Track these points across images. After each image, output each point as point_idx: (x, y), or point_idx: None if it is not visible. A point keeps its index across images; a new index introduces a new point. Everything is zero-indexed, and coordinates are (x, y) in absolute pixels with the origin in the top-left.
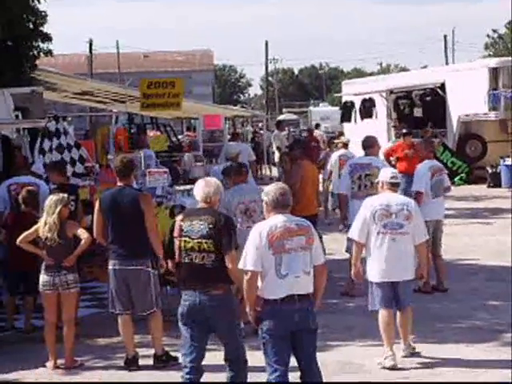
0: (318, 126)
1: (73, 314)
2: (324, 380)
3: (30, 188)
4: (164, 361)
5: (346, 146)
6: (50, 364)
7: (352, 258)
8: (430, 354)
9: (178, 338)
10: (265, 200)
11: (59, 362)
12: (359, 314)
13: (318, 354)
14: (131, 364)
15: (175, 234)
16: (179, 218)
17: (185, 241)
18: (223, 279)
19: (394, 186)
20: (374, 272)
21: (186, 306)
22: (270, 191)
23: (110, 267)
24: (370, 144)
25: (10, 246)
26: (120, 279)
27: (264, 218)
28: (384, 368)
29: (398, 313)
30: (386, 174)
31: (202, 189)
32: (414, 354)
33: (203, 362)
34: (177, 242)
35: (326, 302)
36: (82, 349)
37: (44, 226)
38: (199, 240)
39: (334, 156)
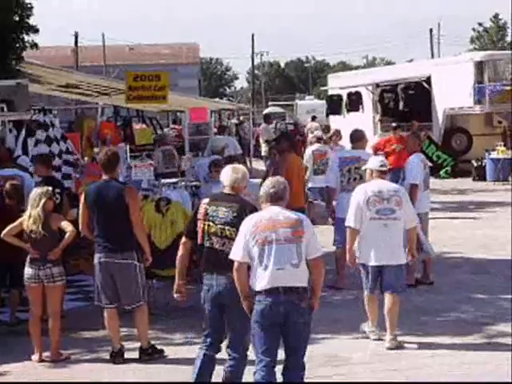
0: (314, 118)
1: (58, 306)
2: (310, 372)
3: (13, 182)
4: (149, 354)
5: (319, 140)
6: (35, 357)
7: (347, 244)
8: (415, 347)
9: (163, 331)
10: (260, 193)
11: (45, 355)
12: (346, 307)
13: None
14: (117, 357)
15: (199, 216)
16: (205, 201)
17: (208, 225)
18: None
19: (383, 174)
20: (367, 256)
21: (205, 289)
22: (264, 184)
23: (96, 260)
24: (358, 137)
25: None
26: (106, 272)
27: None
28: (371, 339)
29: (386, 299)
30: (374, 162)
31: (229, 175)
32: (399, 347)
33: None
34: (200, 225)
35: None
36: (68, 342)
37: (28, 218)
38: (222, 226)
39: (308, 151)
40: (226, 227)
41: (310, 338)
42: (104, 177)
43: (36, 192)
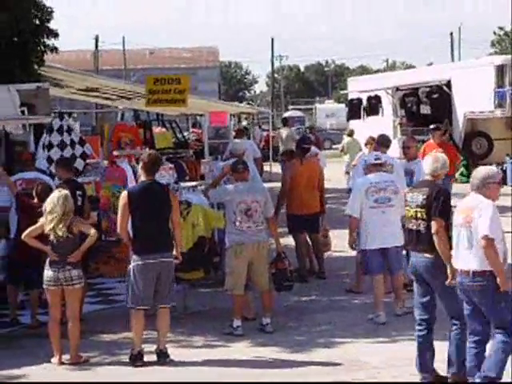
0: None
1: (77, 309)
2: (330, 378)
3: (43, 183)
4: (168, 356)
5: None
6: (55, 360)
7: (348, 230)
8: (437, 352)
9: (182, 334)
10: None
11: (64, 357)
12: (364, 311)
13: (323, 350)
14: (137, 360)
15: (403, 203)
16: (407, 189)
17: (407, 210)
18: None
19: (379, 166)
20: (369, 241)
21: (410, 266)
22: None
23: (139, 262)
24: (384, 142)
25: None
26: (152, 273)
27: (265, 218)
28: (377, 323)
29: (391, 278)
30: (370, 157)
31: (430, 164)
32: (408, 312)
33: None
34: (405, 212)
35: (331, 299)
36: (88, 344)
37: (50, 222)
38: (416, 209)
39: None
40: (418, 209)
41: (329, 342)
42: (144, 178)
43: (55, 195)
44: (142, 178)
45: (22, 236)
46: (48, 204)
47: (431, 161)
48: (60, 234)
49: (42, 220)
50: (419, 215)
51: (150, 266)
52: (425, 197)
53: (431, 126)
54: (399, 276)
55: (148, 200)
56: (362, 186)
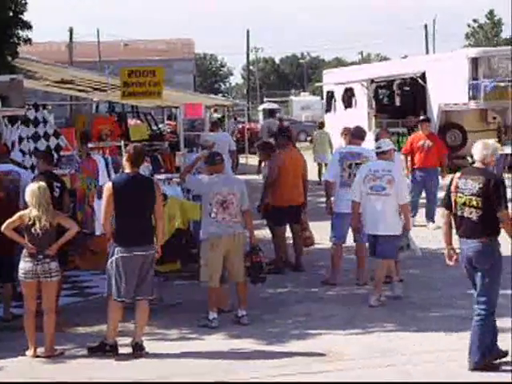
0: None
1: (53, 302)
2: (303, 368)
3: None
4: (143, 349)
5: None
6: (29, 352)
7: (353, 213)
8: (412, 342)
9: (158, 326)
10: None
11: (39, 350)
12: (340, 303)
13: (298, 341)
14: (112, 351)
15: (452, 188)
16: (457, 175)
17: (459, 196)
18: (487, 232)
19: (383, 154)
20: (366, 225)
21: (460, 252)
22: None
23: (122, 254)
24: (359, 134)
25: None
26: (135, 265)
27: (240, 210)
28: (371, 306)
29: (377, 263)
30: (376, 144)
31: (480, 150)
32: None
33: None
34: (453, 197)
35: (307, 291)
36: (62, 337)
37: (31, 213)
38: (470, 197)
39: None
40: (473, 197)
41: (304, 334)
42: (129, 170)
43: (35, 186)
44: (127, 169)
45: (2, 228)
46: (32, 196)
47: (481, 147)
48: (44, 224)
49: (20, 212)
50: (474, 203)
51: (133, 259)
52: (481, 185)
53: (420, 118)
54: (384, 264)
55: (132, 192)
56: (361, 173)
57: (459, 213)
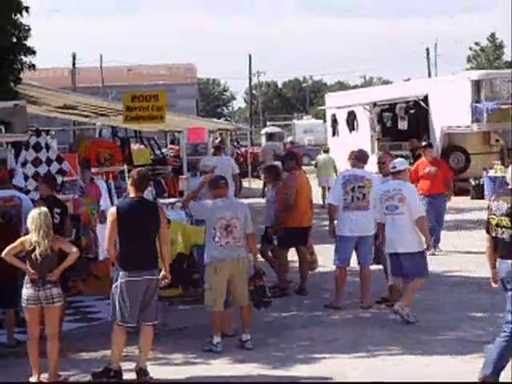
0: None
1: (56, 328)
2: None
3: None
4: (147, 374)
5: None
6: (34, 378)
7: (379, 232)
8: (416, 366)
9: (162, 351)
10: None
11: (43, 376)
12: (344, 326)
13: (303, 365)
14: (117, 377)
15: (488, 212)
16: (492, 197)
17: (492, 218)
18: None
19: (397, 174)
20: (387, 245)
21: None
22: None
23: (126, 279)
24: (362, 157)
25: None
26: (139, 290)
27: (244, 234)
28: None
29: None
30: (391, 164)
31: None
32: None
33: None
34: (489, 219)
35: (311, 315)
36: (67, 363)
37: (36, 238)
38: (500, 218)
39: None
40: (502, 218)
41: (308, 358)
42: (133, 195)
43: (36, 212)
44: (131, 194)
45: (3, 254)
46: (32, 222)
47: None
48: (44, 249)
49: (21, 238)
50: (504, 223)
51: (137, 284)
52: (509, 205)
53: (423, 144)
54: (414, 282)
55: (137, 216)
56: (377, 195)
57: (494, 234)
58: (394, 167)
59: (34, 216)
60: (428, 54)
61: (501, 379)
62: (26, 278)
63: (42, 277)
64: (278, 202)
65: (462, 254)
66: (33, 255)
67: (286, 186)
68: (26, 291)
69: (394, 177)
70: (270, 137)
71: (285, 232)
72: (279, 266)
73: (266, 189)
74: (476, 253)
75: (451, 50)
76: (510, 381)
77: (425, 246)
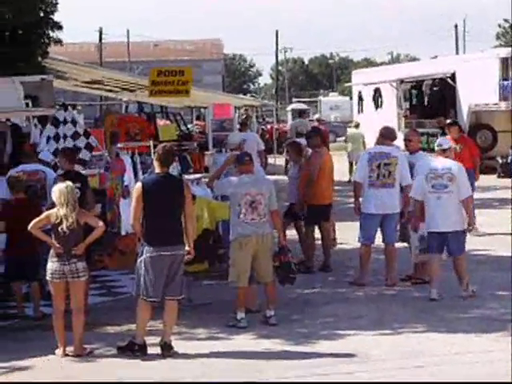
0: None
1: (82, 302)
2: (330, 369)
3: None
4: (172, 348)
5: None
6: (59, 351)
7: (416, 211)
8: (441, 344)
9: (186, 326)
10: None
11: (69, 349)
12: (368, 304)
13: (326, 342)
14: (141, 351)
15: None
16: None
17: None
18: None
19: (443, 152)
20: (429, 224)
21: None
22: None
23: (152, 254)
24: (388, 134)
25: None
26: (164, 264)
27: (269, 210)
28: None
29: (453, 261)
30: (437, 142)
31: None
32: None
33: None
34: None
35: (335, 291)
36: (92, 336)
37: (59, 212)
38: None
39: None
40: None
41: (332, 334)
42: (159, 170)
43: (62, 186)
44: (157, 169)
45: (29, 227)
46: (59, 195)
47: None
48: (71, 223)
49: (47, 212)
50: None
51: (162, 259)
52: None
53: (447, 121)
54: (460, 259)
55: (162, 192)
56: (422, 172)
57: None
58: (440, 145)
59: (62, 190)
60: (456, 30)
61: (501, 379)
62: (51, 251)
63: (68, 251)
64: (301, 178)
65: (488, 233)
66: (59, 229)
67: (309, 162)
68: (52, 265)
69: (438, 155)
70: (300, 114)
71: (308, 209)
72: (306, 243)
73: (288, 165)
74: (502, 233)
75: (480, 26)
76: (510, 381)
77: (467, 226)
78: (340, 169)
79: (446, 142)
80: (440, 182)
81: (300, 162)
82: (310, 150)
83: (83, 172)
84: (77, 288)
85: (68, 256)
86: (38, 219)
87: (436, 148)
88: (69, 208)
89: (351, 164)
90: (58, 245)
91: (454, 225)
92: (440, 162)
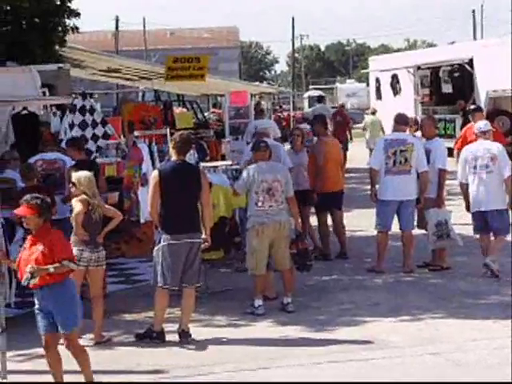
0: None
1: (101, 289)
2: (349, 356)
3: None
4: (190, 336)
5: None
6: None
7: (463, 194)
8: (459, 330)
9: (204, 313)
10: None
11: (88, 336)
12: (386, 290)
13: (344, 329)
14: (159, 339)
15: None
16: None
17: None
18: None
19: (483, 134)
20: (470, 205)
21: None
22: None
23: (169, 242)
24: (403, 120)
25: None
26: (181, 252)
27: (285, 197)
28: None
29: (492, 239)
30: (477, 125)
31: None
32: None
33: None
34: None
35: (352, 279)
36: (110, 324)
37: (94, 202)
38: None
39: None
40: None
41: (350, 321)
42: (175, 158)
43: (88, 176)
44: (173, 157)
45: (72, 221)
46: (88, 185)
47: None
48: (100, 212)
49: (79, 201)
50: None
51: (179, 247)
52: None
53: (471, 107)
54: (500, 237)
55: (178, 180)
56: (465, 154)
57: None
58: (480, 128)
59: (91, 179)
60: (474, 16)
61: (500, 379)
62: (75, 238)
63: (93, 239)
64: (308, 166)
65: None
66: (93, 216)
67: (314, 150)
68: (81, 253)
69: (478, 137)
70: (319, 100)
71: (319, 197)
72: (321, 231)
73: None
74: None
75: (498, 12)
76: (510, 381)
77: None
78: (357, 156)
79: (485, 124)
80: (482, 163)
81: (324, 137)
82: (314, 138)
83: (98, 161)
84: (98, 275)
85: (94, 244)
86: (79, 211)
87: (476, 131)
88: (97, 198)
89: (371, 150)
90: (84, 232)
91: (497, 203)
92: (481, 144)
